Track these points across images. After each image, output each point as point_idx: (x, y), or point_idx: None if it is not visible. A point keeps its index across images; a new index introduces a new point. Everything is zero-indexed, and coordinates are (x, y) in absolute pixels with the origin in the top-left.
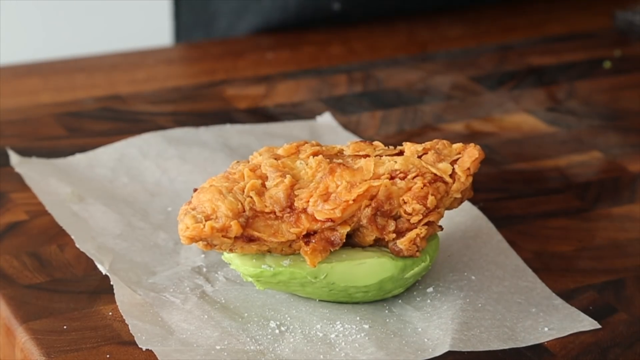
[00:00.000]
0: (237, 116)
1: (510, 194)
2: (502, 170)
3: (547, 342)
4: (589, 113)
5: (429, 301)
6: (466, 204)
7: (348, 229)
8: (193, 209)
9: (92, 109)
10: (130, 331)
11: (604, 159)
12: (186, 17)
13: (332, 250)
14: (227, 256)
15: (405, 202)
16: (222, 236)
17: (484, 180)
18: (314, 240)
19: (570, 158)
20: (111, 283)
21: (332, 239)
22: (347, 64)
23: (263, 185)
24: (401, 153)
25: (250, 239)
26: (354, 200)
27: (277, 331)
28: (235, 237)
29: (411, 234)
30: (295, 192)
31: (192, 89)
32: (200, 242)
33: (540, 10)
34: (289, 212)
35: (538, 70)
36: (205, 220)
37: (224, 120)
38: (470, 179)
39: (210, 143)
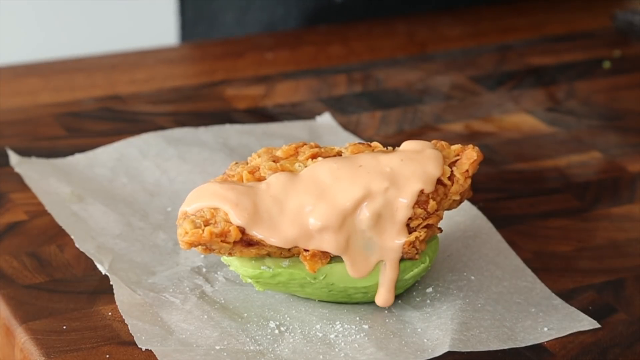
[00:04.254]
0: (237, 116)
1: (510, 194)
2: (501, 171)
3: (546, 342)
4: (589, 113)
5: (428, 301)
6: (465, 204)
7: None
8: (192, 214)
9: (92, 109)
10: (130, 331)
11: (604, 159)
12: (190, 13)
13: (332, 256)
14: (226, 258)
15: None
16: (221, 241)
17: (484, 180)
18: None
19: (570, 158)
20: (111, 283)
21: None
22: (347, 64)
23: None
24: None
25: (249, 244)
26: None
27: (276, 331)
28: (234, 242)
29: (410, 237)
30: None
31: (191, 89)
32: (199, 247)
33: (540, 10)
34: None
35: (538, 70)
36: (204, 225)
37: (224, 120)
38: (469, 180)
39: (209, 143)
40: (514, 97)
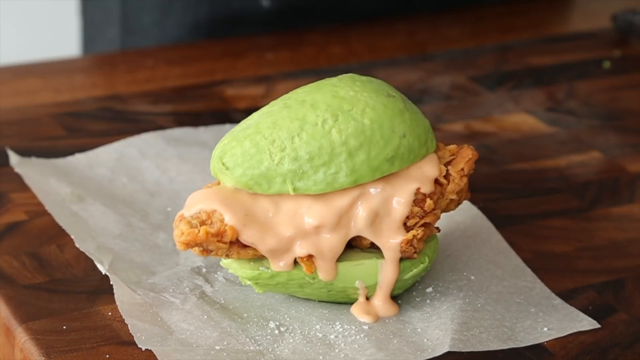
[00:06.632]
0: (237, 116)
1: (510, 194)
2: (501, 171)
3: (546, 342)
4: (589, 113)
5: (428, 301)
6: (465, 204)
7: None
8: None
9: (92, 109)
10: (130, 331)
11: (604, 159)
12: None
13: None
14: (225, 261)
15: None
16: (218, 241)
17: (484, 180)
18: None
19: (570, 158)
20: (111, 283)
21: None
22: (347, 64)
23: None
24: None
25: (246, 245)
26: None
27: (276, 332)
28: (231, 243)
29: (407, 235)
30: None
31: (191, 89)
32: (196, 248)
33: (540, 10)
34: None
35: (537, 70)
36: (200, 226)
37: (224, 120)
38: (465, 179)
39: (209, 143)
40: (513, 97)
